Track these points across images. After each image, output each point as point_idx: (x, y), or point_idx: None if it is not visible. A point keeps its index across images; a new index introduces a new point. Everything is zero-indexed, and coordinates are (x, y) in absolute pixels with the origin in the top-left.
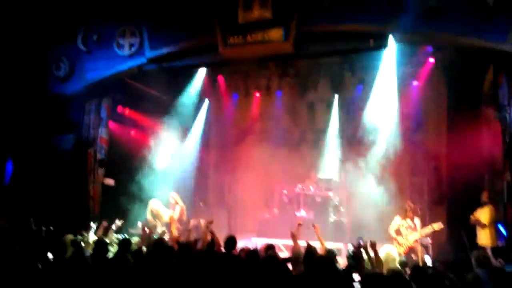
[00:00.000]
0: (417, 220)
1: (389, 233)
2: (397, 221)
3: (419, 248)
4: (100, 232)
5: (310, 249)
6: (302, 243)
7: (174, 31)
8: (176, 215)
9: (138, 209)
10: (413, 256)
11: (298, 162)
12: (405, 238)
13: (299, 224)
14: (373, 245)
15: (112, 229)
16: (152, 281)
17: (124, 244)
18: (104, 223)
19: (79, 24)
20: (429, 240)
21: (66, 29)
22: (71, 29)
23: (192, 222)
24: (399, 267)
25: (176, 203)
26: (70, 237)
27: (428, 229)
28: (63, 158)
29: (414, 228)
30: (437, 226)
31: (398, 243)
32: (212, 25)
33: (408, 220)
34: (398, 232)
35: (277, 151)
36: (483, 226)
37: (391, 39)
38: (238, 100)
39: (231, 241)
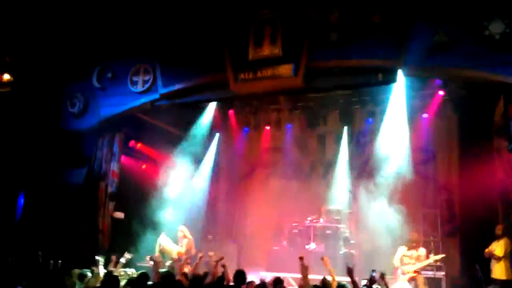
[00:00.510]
0: (422, 251)
1: (393, 263)
2: (402, 251)
3: (420, 279)
4: (111, 266)
5: (323, 284)
6: (316, 277)
7: (186, 67)
8: (184, 249)
9: (147, 242)
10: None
11: (308, 194)
12: (407, 268)
13: (300, 258)
14: (382, 276)
15: (121, 263)
16: None
17: (142, 278)
18: (113, 257)
19: (94, 61)
20: (442, 274)
21: (81, 67)
22: (86, 66)
23: (200, 254)
24: None
25: (185, 236)
26: (77, 271)
27: (429, 260)
28: (74, 192)
29: (418, 259)
30: (438, 257)
31: (402, 272)
32: (223, 61)
33: (413, 251)
34: (402, 262)
35: (287, 184)
36: (498, 259)
37: (400, 73)
38: (248, 133)
39: (240, 275)
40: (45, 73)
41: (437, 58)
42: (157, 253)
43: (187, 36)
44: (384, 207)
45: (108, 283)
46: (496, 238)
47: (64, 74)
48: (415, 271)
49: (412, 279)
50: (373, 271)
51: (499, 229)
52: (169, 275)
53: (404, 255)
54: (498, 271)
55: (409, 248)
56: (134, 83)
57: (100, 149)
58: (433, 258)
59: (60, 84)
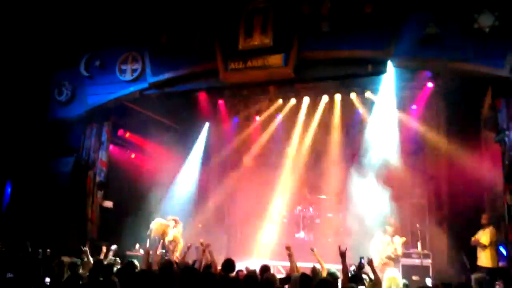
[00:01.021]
0: (397, 239)
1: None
2: (378, 237)
3: (391, 265)
4: (102, 255)
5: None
6: (306, 265)
7: (176, 56)
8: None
9: (136, 231)
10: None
11: (298, 184)
12: (380, 254)
13: (287, 248)
14: (371, 262)
15: (111, 251)
16: None
17: (129, 266)
18: (104, 247)
19: (82, 50)
20: (429, 261)
21: (69, 55)
22: (74, 54)
23: (188, 244)
24: None
25: (175, 225)
26: (66, 259)
27: (394, 246)
28: (62, 181)
29: (390, 245)
30: (401, 240)
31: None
32: (213, 51)
33: (387, 237)
34: (377, 248)
35: (277, 174)
36: (484, 247)
37: (389, 65)
38: (238, 123)
39: (229, 264)
40: (32, 61)
41: (426, 50)
42: (153, 235)
43: (176, 24)
44: (373, 196)
45: (98, 271)
46: (482, 227)
47: (52, 62)
48: (388, 257)
49: (385, 265)
50: (362, 258)
51: (484, 219)
52: (170, 264)
53: (380, 241)
54: (484, 259)
55: (384, 234)
56: (123, 72)
57: (88, 138)
58: (397, 242)
59: (48, 72)
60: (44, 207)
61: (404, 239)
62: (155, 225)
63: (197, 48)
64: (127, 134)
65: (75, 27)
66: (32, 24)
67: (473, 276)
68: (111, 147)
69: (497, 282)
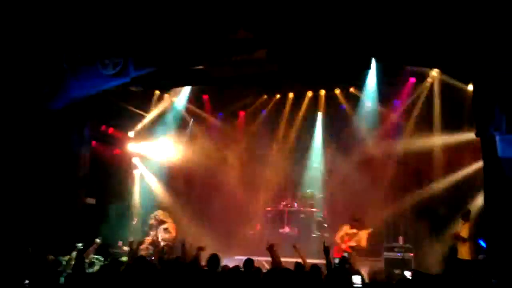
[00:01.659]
0: (364, 233)
1: (335, 239)
2: (344, 229)
3: (353, 254)
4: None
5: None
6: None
7: (159, 51)
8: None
9: (119, 228)
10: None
11: (282, 179)
12: (345, 244)
13: (271, 245)
14: (348, 257)
15: (94, 249)
16: None
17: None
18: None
19: (64, 42)
20: (411, 255)
21: (50, 48)
22: (55, 47)
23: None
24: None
25: (163, 221)
26: (50, 257)
27: (358, 236)
28: (44, 177)
29: (355, 237)
30: (367, 231)
31: (340, 248)
32: (197, 46)
33: (354, 230)
34: (342, 239)
35: (262, 169)
36: (463, 240)
37: (373, 60)
38: (222, 118)
39: (214, 259)
40: (13, 53)
41: (407, 48)
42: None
43: (158, 18)
44: (356, 191)
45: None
46: (462, 220)
47: (33, 55)
48: (347, 248)
49: (348, 253)
50: (346, 251)
51: (464, 212)
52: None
53: (346, 233)
54: (464, 252)
55: (352, 227)
56: (105, 66)
57: (70, 134)
58: (365, 233)
59: (28, 65)
60: (25, 204)
61: (369, 231)
62: (159, 211)
63: (180, 42)
64: (110, 130)
65: (57, 20)
66: (13, 19)
67: (453, 268)
68: (93, 142)
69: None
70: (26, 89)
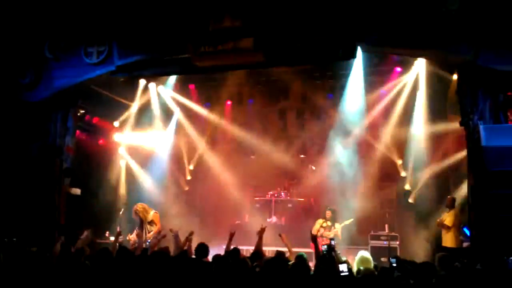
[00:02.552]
0: (338, 225)
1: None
2: (319, 222)
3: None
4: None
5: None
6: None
7: (144, 39)
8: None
9: (105, 218)
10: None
11: (269, 169)
12: (322, 236)
13: (263, 229)
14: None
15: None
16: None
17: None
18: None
19: (46, 31)
20: (397, 243)
21: (32, 36)
22: (37, 36)
23: (163, 233)
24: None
25: (147, 212)
26: (34, 250)
27: (338, 227)
28: (28, 168)
29: (331, 229)
30: (348, 221)
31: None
32: (183, 34)
33: (328, 222)
34: (318, 231)
35: (249, 159)
36: (448, 229)
37: (359, 50)
38: (209, 108)
39: (202, 248)
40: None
41: (394, 37)
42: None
43: (144, 5)
44: (343, 180)
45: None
46: (446, 209)
47: (15, 43)
48: (326, 239)
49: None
50: (332, 239)
51: (448, 201)
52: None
53: (321, 226)
54: (448, 240)
55: (326, 220)
56: (89, 54)
57: (54, 123)
58: (339, 226)
59: (10, 54)
60: (8, 195)
61: (349, 222)
62: (140, 206)
63: (166, 31)
64: (95, 120)
65: (39, 9)
66: None
67: (437, 255)
68: (78, 132)
69: (456, 263)
70: (6, 79)
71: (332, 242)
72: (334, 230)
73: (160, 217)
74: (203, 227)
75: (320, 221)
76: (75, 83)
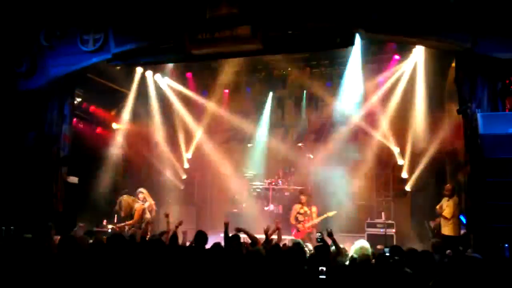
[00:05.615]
0: (314, 209)
1: (290, 221)
2: (296, 209)
3: (314, 232)
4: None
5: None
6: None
7: (140, 26)
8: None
9: (103, 207)
10: (309, 240)
11: (266, 157)
12: (302, 225)
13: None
14: (330, 234)
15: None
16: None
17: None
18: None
19: (42, 19)
20: (393, 230)
21: (28, 25)
22: (33, 24)
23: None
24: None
25: (145, 199)
26: (28, 236)
27: (323, 217)
28: (25, 156)
29: (310, 215)
30: (330, 214)
31: (298, 229)
32: (179, 21)
33: (306, 208)
34: (297, 219)
35: (246, 147)
36: (447, 218)
37: (357, 37)
38: (207, 96)
39: (201, 236)
40: None
41: (392, 24)
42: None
43: None
44: (340, 168)
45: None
46: (445, 196)
47: (10, 32)
48: (309, 227)
49: (307, 234)
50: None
51: (447, 190)
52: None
53: (298, 213)
54: (447, 229)
55: (302, 205)
56: (85, 42)
57: (50, 111)
58: (327, 214)
59: (6, 43)
60: (6, 183)
61: (325, 216)
62: (124, 203)
63: (162, 18)
64: (92, 108)
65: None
66: None
67: (431, 241)
68: (75, 121)
69: (448, 251)
70: (2, 67)
71: (330, 230)
72: (314, 221)
73: (157, 205)
74: (201, 215)
75: (296, 207)
76: (72, 71)
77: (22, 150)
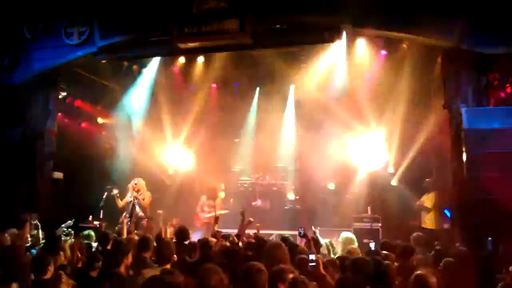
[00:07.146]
0: (219, 200)
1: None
2: (203, 200)
3: (212, 223)
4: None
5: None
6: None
7: (126, 18)
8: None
9: (88, 202)
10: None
11: (254, 152)
12: (204, 214)
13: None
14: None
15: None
16: None
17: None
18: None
19: (25, 10)
20: (379, 225)
21: (10, 17)
22: (16, 16)
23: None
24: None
25: (139, 190)
26: (13, 231)
27: (222, 212)
28: (8, 152)
29: (214, 207)
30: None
31: (199, 218)
32: (166, 14)
33: (211, 201)
34: (202, 209)
35: (234, 142)
36: (428, 210)
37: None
38: (194, 91)
39: (182, 231)
40: None
41: (379, 19)
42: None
43: None
44: (327, 164)
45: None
46: (426, 191)
47: None
48: (208, 218)
49: (205, 224)
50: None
51: (428, 183)
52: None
53: (203, 203)
54: (428, 221)
55: (208, 198)
56: (69, 35)
57: (35, 106)
58: (221, 212)
59: None
60: None
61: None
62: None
63: (150, 11)
64: (78, 102)
65: None
66: None
67: (412, 236)
68: (60, 116)
69: (436, 242)
70: None
71: (301, 230)
72: (221, 212)
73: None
74: (188, 210)
75: (203, 198)
76: (56, 65)
77: (6, 145)
